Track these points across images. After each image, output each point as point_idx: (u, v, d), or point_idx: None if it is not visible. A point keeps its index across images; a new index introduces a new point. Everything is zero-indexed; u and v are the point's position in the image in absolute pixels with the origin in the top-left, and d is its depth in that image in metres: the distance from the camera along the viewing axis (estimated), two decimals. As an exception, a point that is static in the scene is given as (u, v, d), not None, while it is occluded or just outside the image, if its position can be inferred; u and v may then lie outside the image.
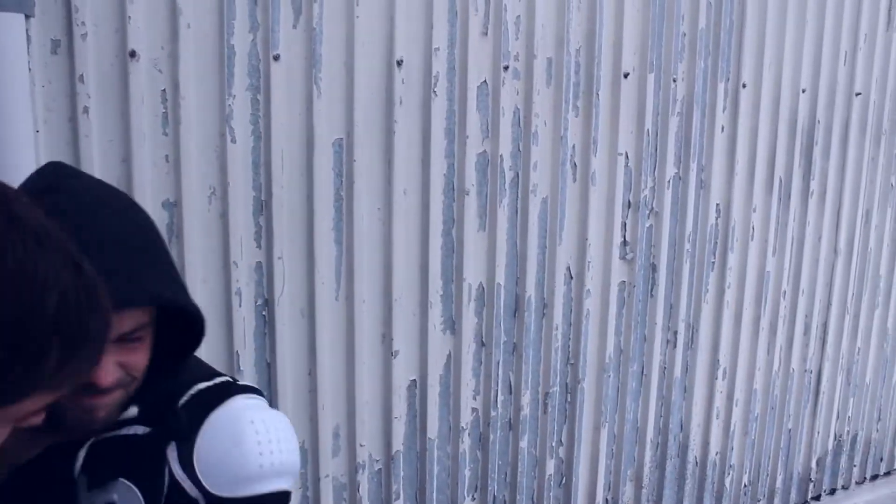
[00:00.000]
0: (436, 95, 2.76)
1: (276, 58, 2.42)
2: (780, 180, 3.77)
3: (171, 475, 1.02)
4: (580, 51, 3.07)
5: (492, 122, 2.89)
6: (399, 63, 2.67)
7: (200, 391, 1.09)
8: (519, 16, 2.90)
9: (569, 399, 3.29)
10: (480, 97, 2.86)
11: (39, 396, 0.78)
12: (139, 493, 1.00)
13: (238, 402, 1.08)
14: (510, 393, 3.12)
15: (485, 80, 2.87)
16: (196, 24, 2.30)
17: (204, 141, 2.36)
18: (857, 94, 4.01)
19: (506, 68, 2.89)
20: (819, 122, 3.88)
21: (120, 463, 1.01)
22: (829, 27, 3.83)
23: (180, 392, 1.07)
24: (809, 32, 3.75)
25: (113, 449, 1.02)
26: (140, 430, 1.04)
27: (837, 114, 3.95)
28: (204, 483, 1.02)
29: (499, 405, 3.09)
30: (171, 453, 1.03)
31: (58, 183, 1.00)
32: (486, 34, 2.85)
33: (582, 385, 3.30)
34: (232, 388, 1.11)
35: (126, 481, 1.00)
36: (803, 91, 3.78)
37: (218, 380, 1.12)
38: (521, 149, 2.96)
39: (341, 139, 2.61)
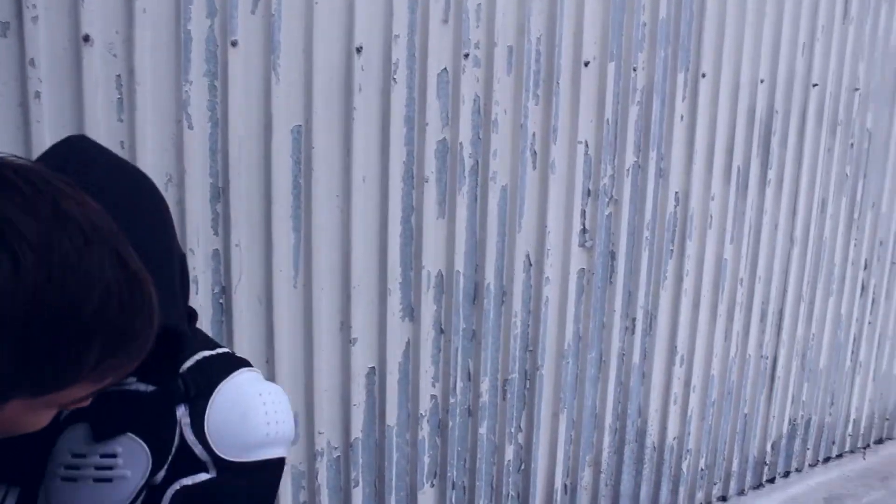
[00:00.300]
0: (395, 83, 2.75)
1: (234, 43, 2.40)
2: (739, 169, 3.82)
3: (182, 438, 1.07)
4: (541, 39, 3.08)
5: (452, 109, 2.89)
6: (358, 50, 2.65)
7: (205, 358, 1.14)
8: (480, 3, 2.90)
9: (528, 385, 3.32)
10: (440, 85, 2.86)
11: (83, 386, 0.82)
12: (147, 449, 1.03)
13: (245, 375, 1.15)
14: (469, 380, 3.14)
15: (445, 68, 2.86)
16: (152, 8, 2.26)
17: (160, 127, 2.33)
18: (815, 86, 4.06)
19: (466, 56, 2.89)
20: (777, 112, 3.92)
21: (127, 417, 1.04)
22: (788, 19, 3.87)
23: (182, 357, 1.11)
24: (768, 24, 3.79)
25: (118, 402, 1.04)
26: (143, 387, 1.06)
27: (795, 104, 4.00)
28: (215, 449, 1.07)
29: (458, 392, 3.11)
30: (184, 418, 1.08)
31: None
32: (447, 22, 2.84)
33: (541, 372, 3.33)
34: (234, 360, 1.18)
35: (133, 436, 1.03)
36: (761, 81, 3.82)
37: (219, 350, 1.18)
38: (480, 136, 2.97)
39: (300, 126, 2.59)
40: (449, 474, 3.18)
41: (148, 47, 2.27)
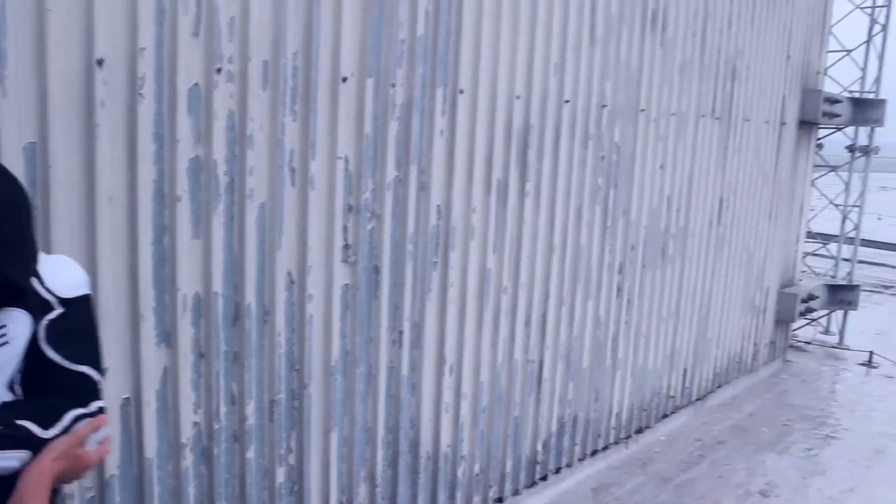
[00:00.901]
0: (142, 98, 2.62)
1: (-52, 54, 2.19)
2: (498, 181, 3.96)
3: (38, 294, 1.59)
4: (297, 54, 3.04)
5: (205, 126, 2.79)
6: (100, 63, 2.50)
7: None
8: (233, 17, 2.82)
9: (296, 405, 3.26)
10: (192, 100, 2.75)
11: None
12: (24, 312, 1.54)
13: (59, 255, 1.78)
14: (233, 403, 3.04)
15: (196, 83, 2.76)
16: None
17: None
18: (567, 102, 4.30)
19: (219, 70, 2.81)
20: (533, 126, 4.12)
21: (5, 298, 1.51)
22: (540, 39, 4.08)
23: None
24: (522, 43, 3.97)
25: None
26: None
27: (549, 119, 4.21)
28: (55, 291, 1.61)
29: (222, 417, 3.00)
30: (36, 283, 1.59)
31: None
32: (198, 35, 2.74)
33: (308, 390, 3.28)
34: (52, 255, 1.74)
35: (11, 308, 1.53)
36: (517, 97, 3.99)
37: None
38: (236, 153, 2.89)
39: (34, 143, 2.40)
40: (217, 503, 3.06)
41: None
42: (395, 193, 3.47)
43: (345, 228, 3.29)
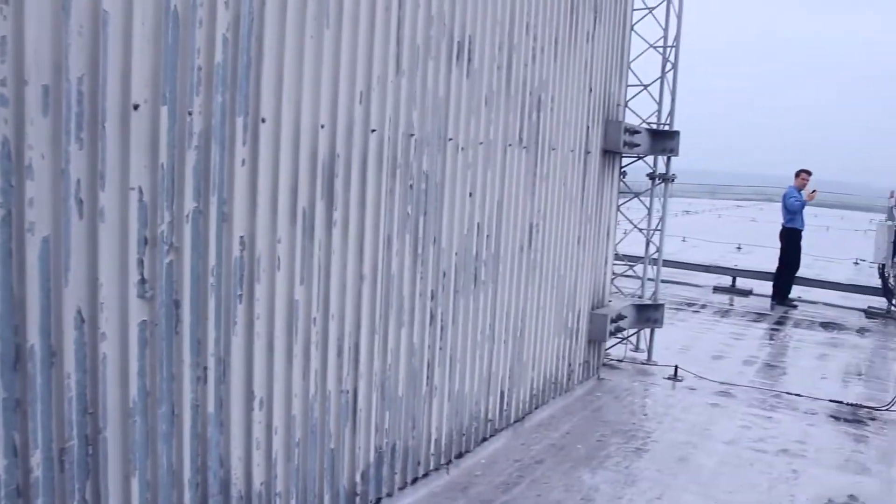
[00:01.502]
0: None
1: None
2: (304, 211, 3.92)
3: None
4: (83, 79, 2.89)
5: (-25, 155, 2.59)
6: None
7: None
8: (4, 36, 2.64)
9: (90, 451, 3.06)
10: (-40, 127, 2.55)
11: None
12: None
13: None
14: (15, 455, 2.81)
15: (-36, 109, 2.57)
16: None
17: None
18: (373, 131, 4.32)
19: (-9, 95, 2.62)
20: (339, 156, 4.10)
21: None
22: (345, 69, 4.08)
23: None
24: (326, 73, 3.96)
25: None
26: None
27: (356, 148, 4.22)
28: None
29: (1, 471, 2.77)
30: None
31: None
32: (-36, 56, 2.55)
33: (104, 434, 3.09)
34: None
35: None
36: (322, 127, 3.97)
37: None
38: (13, 184, 2.70)
39: None
40: (-2, 564, 2.82)
41: None
42: (195, 225, 3.36)
43: (140, 262, 3.14)
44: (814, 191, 13.56)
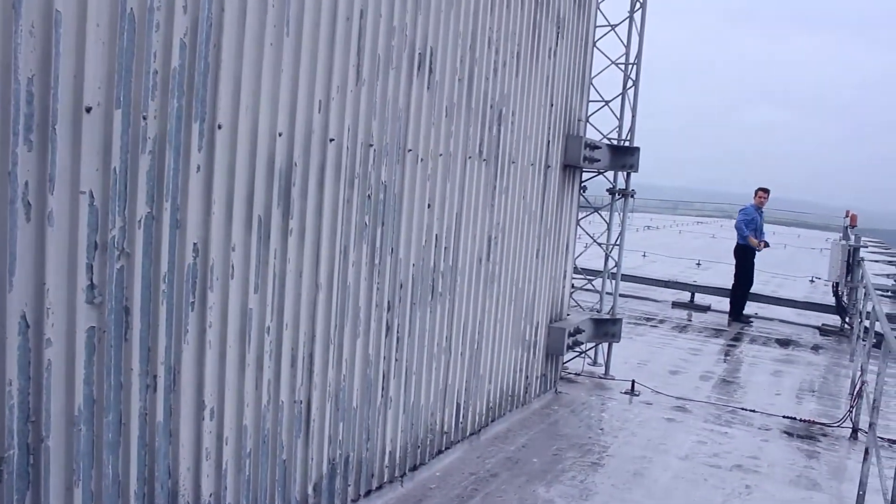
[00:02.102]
0: None
1: None
2: (260, 219, 3.88)
3: None
4: (33, 80, 2.84)
5: (-82, 155, 2.53)
6: None
7: None
8: (-52, 36, 2.59)
9: (31, 461, 2.99)
10: None
11: None
12: None
13: None
14: (-47, 462, 2.74)
15: None
16: None
17: None
18: (332, 140, 4.30)
19: (-64, 94, 2.56)
20: (296, 164, 4.08)
21: None
22: (304, 77, 4.06)
23: None
24: (285, 80, 3.94)
25: None
26: None
27: (314, 158, 4.19)
28: None
29: (-62, 478, 2.70)
30: None
31: None
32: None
33: (47, 443, 3.02)
34: None
35: None
36: (280, 135, 3.94)
37: None
38: (-43, 186, 2.64)
39: None
40: (-67, 575, 2.74)
41: None
42: (148, 230, 3.31)
43: (90, 267, 3.09)
44: (765, 243, 13.90)
